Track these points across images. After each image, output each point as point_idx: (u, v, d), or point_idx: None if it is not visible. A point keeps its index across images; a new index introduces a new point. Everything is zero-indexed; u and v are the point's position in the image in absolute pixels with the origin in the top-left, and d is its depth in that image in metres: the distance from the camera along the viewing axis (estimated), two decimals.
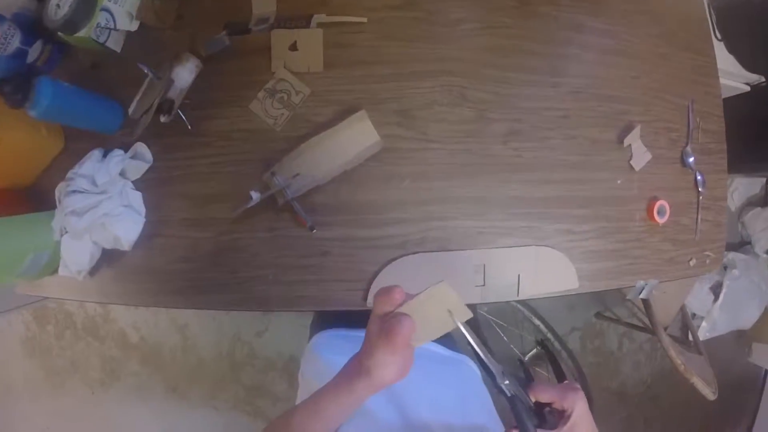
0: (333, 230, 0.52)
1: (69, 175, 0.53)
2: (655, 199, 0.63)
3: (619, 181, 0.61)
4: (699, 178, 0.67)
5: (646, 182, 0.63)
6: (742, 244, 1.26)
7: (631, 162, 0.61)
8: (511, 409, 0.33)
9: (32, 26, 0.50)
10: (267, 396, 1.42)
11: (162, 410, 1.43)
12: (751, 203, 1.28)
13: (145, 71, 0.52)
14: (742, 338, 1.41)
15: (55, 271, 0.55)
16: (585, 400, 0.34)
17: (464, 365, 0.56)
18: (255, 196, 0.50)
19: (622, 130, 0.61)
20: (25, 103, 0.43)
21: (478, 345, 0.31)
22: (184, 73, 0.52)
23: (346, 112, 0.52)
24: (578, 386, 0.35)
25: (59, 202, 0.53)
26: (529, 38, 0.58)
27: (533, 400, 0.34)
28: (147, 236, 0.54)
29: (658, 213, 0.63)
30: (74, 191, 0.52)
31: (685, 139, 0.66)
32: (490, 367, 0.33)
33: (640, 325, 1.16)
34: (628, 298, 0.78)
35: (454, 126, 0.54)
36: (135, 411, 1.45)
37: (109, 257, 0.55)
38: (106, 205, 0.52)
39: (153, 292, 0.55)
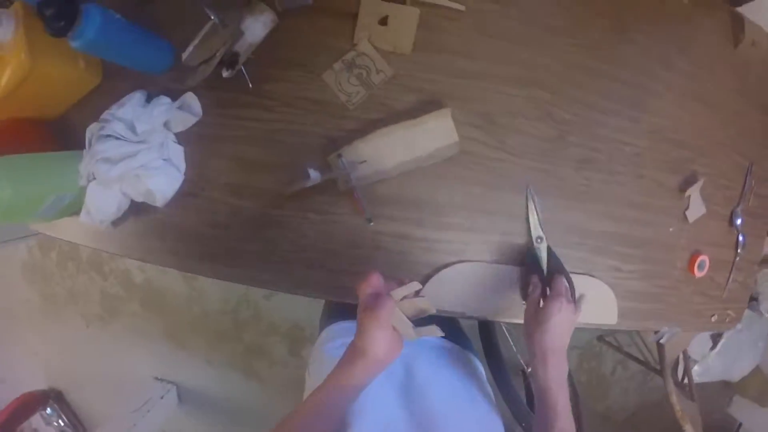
0: (390, 225, 0.49)
1: (104, 116, 0.47)
2: (698, 252, 0.62)
3: (671, 229, 0.60)
4: (741, 239, 0.67)
5: (695, 235, 0.62)
6: (751, 300, 1.29)
7: (687, 212, 0.61)
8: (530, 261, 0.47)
9: None
10: (264, 358, 1.40)
11: (157, 354, 1.41)
12: (766, 260, 1.30)
13: (212, 17, 0.47)
14: (726, 389, 1.45)
15: (75, 214, 0.50)
16: (562, 317, 0.43)
17: (474, 362, 0.55)
18: (314, 175, 0.46)
19: (685, 179, 0.60)
20: (67, 33, 0.37)
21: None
22: (257, 27, 0.47)
23: (427, 103, 0.49)
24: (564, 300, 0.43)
25: (89, 144, 0.47)
26: (619, 64, 0.55)
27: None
28: (182, 194, 0.50)
29: (698, 267, 0.62)
30: (109, 135, 0.47)
31: (737, 200, 0.66)
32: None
33: (639, 357, 1.18)
34: (650, 339, 0.78)
35: (535, 142, 0.51)
36: (128, 350, 1.43)
37: (136, 210, 0.51)
38: (143, 156, 0.47)
39: (180, 255, 0.51)
